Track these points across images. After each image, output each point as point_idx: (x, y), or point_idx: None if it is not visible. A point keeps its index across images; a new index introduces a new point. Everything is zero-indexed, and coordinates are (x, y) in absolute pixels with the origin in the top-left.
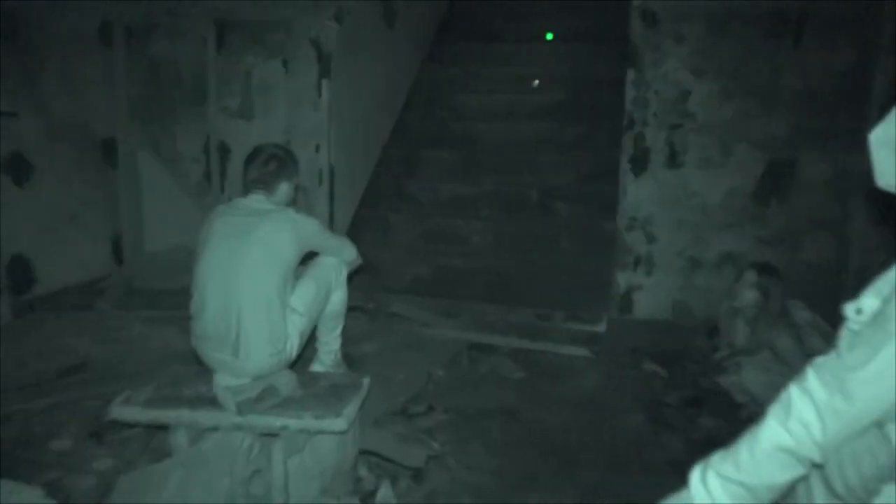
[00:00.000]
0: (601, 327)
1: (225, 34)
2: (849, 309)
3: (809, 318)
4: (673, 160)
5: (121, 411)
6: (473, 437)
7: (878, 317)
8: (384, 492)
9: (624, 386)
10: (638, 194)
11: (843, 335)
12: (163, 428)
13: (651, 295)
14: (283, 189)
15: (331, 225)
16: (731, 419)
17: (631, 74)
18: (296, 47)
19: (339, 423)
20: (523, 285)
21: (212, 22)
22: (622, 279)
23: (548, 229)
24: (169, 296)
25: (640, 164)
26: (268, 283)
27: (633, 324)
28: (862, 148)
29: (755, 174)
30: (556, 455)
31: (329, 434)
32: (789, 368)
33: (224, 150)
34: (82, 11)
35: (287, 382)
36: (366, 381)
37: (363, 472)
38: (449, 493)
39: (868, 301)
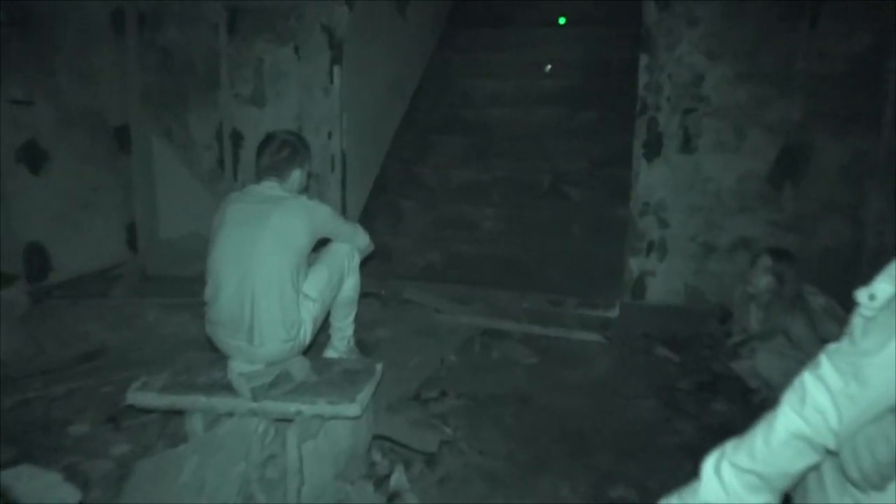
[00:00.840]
0: (614, 313)
1: (236, 20)
2: (861, 295)
3: (824, 304)
4: (686, 145)
5: (137, 397)
6: (486, 423)
7: (893, 302)
8: (398, 476)
9: (636, 371)
10: (651, 179)
11: (856, 321)
12: (179, 413)
13: (664, 280)
14: (296, 176)
15: (343, 212)
16: (744, 404)
17: (644, 59)
18: (308, 33)
19: (352, 409)
20: (535, 271)
21: (223, 8)
22: (635, 265)
23: (560, 215)
24: (183, 283)
25: (653, 148)
26: (281, 269)
27: (645, 309)
28: (878, 131)
29: (769, 158)
30: (568, 440)
31: (343, 419)
32: (804, 354)
33: (237, 137)
34: (95, 2)
35: (301, 368)
36: (379, 366)
37: (377, 456)
38: (462, 477)
39: (882, 287)
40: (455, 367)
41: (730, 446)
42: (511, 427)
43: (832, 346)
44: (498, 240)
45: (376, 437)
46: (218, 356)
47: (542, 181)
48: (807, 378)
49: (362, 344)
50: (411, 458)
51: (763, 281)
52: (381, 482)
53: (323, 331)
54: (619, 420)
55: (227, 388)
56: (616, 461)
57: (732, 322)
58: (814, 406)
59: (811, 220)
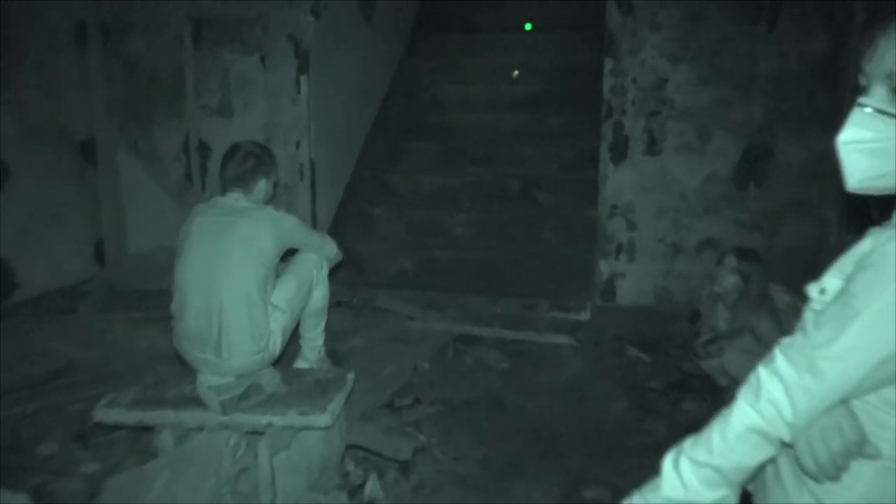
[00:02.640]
0: (585, 315)
1: (202, 31)
2: (812, 289)
3: (789, 301)
4: (652, 147)
5: (105, 414)
6: (460, 428)
7: (843, 295)
8: (372, 485)
9: (608, 372)
10: (618, 182)
11: (808, 315)
12: (148, 429)
13: (633, 282)
14: (261, 186)
15: (313, 220)
16: (714, 403)
17: (608, 63)
18: (274, 43)
19: (324, 419)
20: (507, 275)
21: (188, 19)
22: (604, 267)
23: (530, 219)
24: (153, 297)
25: (619, 151)
26: (248, 281)
27: (616, 311)
28: (837, 131)
29: (733, 159)
30: (541, 443)
31: (315, 430)
32: (770, 351)
33: (204, 149)
34: (56, 11)
35: (271, 380)
36: (350, 375)
37: (350, 466)
38: (436, 484)
39: (831, 281)
40: (428, 373)
41: (688, 442)
42: (484, 432)
43: (786, 341)
44: (470, 245)
45: (349, 447)
46: (187, 370)
47: (512, 186)
48: (761, 372)
49: (334, 353)
50: (385, 466)
51: (729, 280)
52: (355, 491)
53: (293, 341)
54: (592, 421)
55: (197, 401)
56: (589, 462)
57: (701, 322)
58: (768, 400)
59: (775, 220)
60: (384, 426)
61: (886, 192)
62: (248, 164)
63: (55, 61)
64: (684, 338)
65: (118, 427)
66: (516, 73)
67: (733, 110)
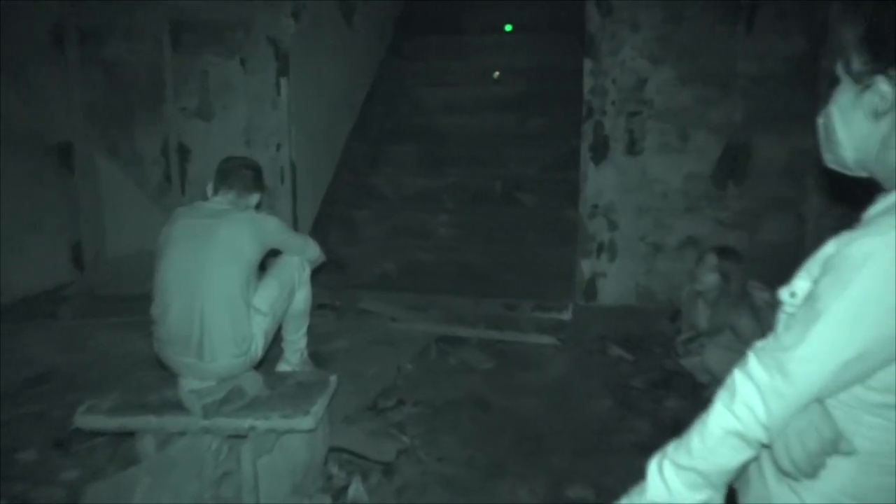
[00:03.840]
0: (567, 315)
1: (181, 34)
2: (783, 293)
3: (769, 299)
4: (632, 147)
5: (85, 420)
6: (444, 429)
7: (809, 297)
8: (355, 487)
9: (591, 371)
10: (599, 182)
11: (780, 318)
12: (129, 435)
13: (615, 281)
14: (255, 198)
15: (294, 223)
16: (695, 400)
17: (588, 64)
18: (254, 46)
19: (307, 422)
20: (490, 276)
21: (167, 22)
22: (586, 266)
23: (513, 220)
24: (133, 301)
25: (600, 152)
26: (230, 283)
27: (598, 310)
28: (815, 130)
29: (713, 158)
30: (525, 442)
31: (298, 433)
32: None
33: (184, 151)
34: (33, 14)
35: (253, 383)
36: (333, 378)
37: (334, 469)
38: (420, 485)
39: (800, 284)
40: (412, 375)
41: (671, 446)
42: (469, 432)
43: (759, 344)
44: (452, 247)
45: (333, 449)
46: (168, 375)
47: (494, 187)
48: (736, 375)
49: (318, 356)
50: (369, 468)
51: (709, 278)
52: (338, 494)
53: (276, 344)
54: (576, 420)
55: (179, 406)
56: (573, 461)
57: (682, 320)
58: (743, 402)
59: (755, 218)
60: (368, 428)
61: (843, 171)
62: (250, 173)
63: (32, 64)
64: (666, 336)
65: (99, 433)
66: (497, 74)
67: (713, 110)
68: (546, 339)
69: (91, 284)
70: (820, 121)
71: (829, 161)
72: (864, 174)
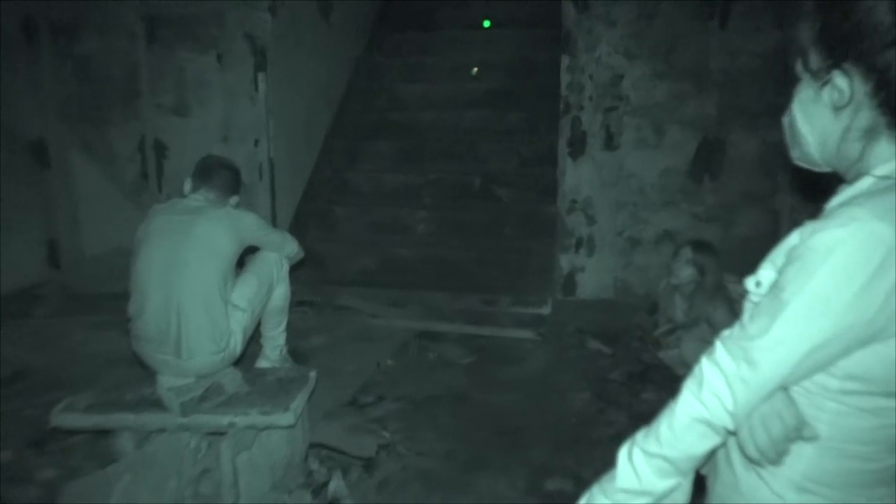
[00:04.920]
0: (546, 309)
1: (155, 29)
2: (749, 282)
3: (744, 291)
4: (609, 142)
5: (62, 418)
6: (424, 424)
7: (774, 287)
8: (336, 483)
9: (570, 365)
10: (577, 177)
11: (746, 307)
12: (107, 433)
13: (593, 275)
14: (234, 201)
15: (273, 220)
16: (673, 392)
17: (565, 60)
18: (230, 41)
19: (286, 418)
20: (469, 272)
21: (141, 17)
22: (565, 261)
23: (491, 215)
24: (109, 299)
25: (577, 147)
26: (207, 280)
27: (577, 304)
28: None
29: (689, 153)
30: (505, 436)
31: (277, 429)
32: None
33: (160, 148)
34: (2, 8)
35: (232, 380)
36: (312, 374)
37: (314, 465)
38: (401, 480)
39: (766, 273)
40: (392, 370)
41: (640, 434)
42: (448, 427)
43: (725, 333)
44: (432, 242)
45: (313, 445)
46: (146, 372)
47: (473, 182)
48: (704, 364)
49: (297, 352)
50: (349, 464)
51: (685, 272)
52: (319, 490)
53: (255, 341)
54: (555, 414)
55: (157, 404)
56: (552, 454)
57: (659, 313)
58: (710, 390)
59: (730, 212)
60: (348, 424)
61: (810, 167)
62: (231, 174)
63: (3, 60)
64: (644, 329)
65: (76, 432)
66: (475, 70)
67: (688, 105)
68: (525, 334)
69: (67, 282)
70: (785, 120)
71: (797, 158)
72: (828, 170)
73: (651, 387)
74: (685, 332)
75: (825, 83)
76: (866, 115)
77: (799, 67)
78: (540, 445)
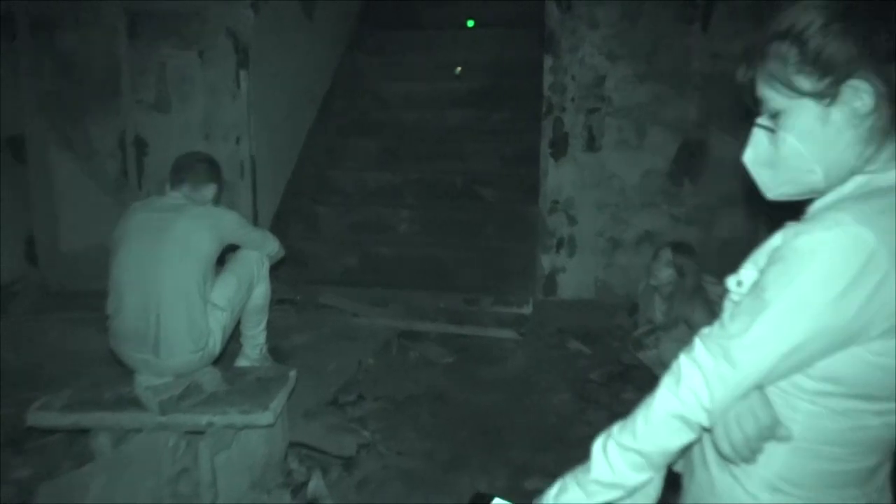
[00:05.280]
0: (528, 309)
1: (137, 25)
2: (730, 282)
3: (722, 292)
4: (591, 143)
5: (38, 417)
6: (404, 423)
7: (755, 287)
8: (315, 483)
9: (551, 365)
10: (559, 178)
11: (727, 306)
12: (84, 432)
13: (574, 276)
14: (211, 189)
15: (255, 218)
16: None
17: (548, 60)
18: (212, 38)
19: (266, 417)
20: (451, 271)
21: (123, 12)
22: (546, 261)
23: (474, 215)
24: (87, 297)
25: (559, 148)
26: (186, 278)
27: (558, 304)
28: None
29: (669, 155)
30: (485, 436)
31: (257, 428)
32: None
33: (141, 144)
34: None
35: (211, 379)
36: (292, 373)
37: (294, 464)
38: (380, 479)
39: (747, 273)
40: (373, 369)
41: (616, 427)
42: (429, 426)
43: (705, 331)
44: (414, 241)
45: (293, 445)
46: (124, 371)
47: (455, 182)
48: (682, 360)
49: (278, 351)
50: (329, 463)
51: (665, 273)
52: (298, 489)
53: (235, 339)
54: (535, 414)
55: (135, 403)
56: (532, 454)
57: (639, 314)
58: (688, 387)
59: (710, 213)
60: (328, 423)
61: (804, 197)
62: (203, 165)
63: None
64: (624, 330)
65: (52, 431)
66: (459, 69)
67: (669, 107)
68: (506, 333)
69: (44, 279)
70: (756, 160)
71: (783, 195)
72: (819, 194)
73: (631, 387)
74: (664, 332)
75: (832, 100)
76: (882, 113)
77: (783, 98)
78: (520, 445)
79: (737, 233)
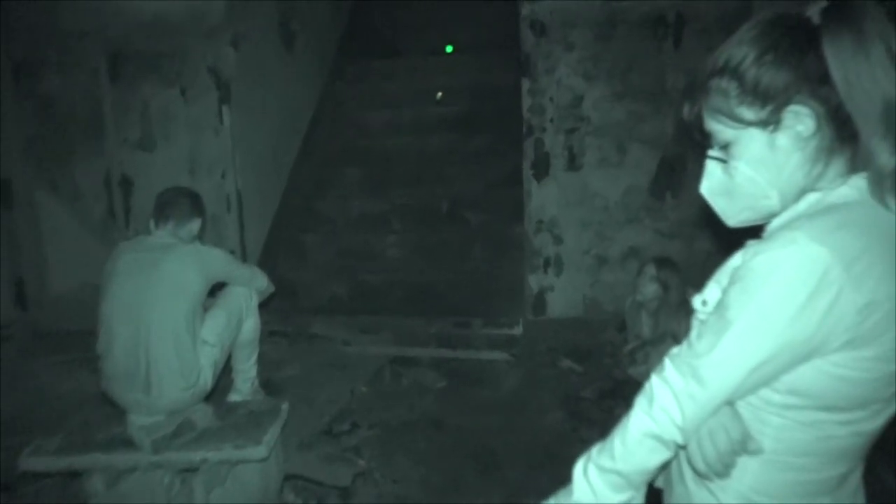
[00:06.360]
0: (518, 330)
1: (118, 65)
2: (696, 301)
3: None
4: (572, 163)
5: (31, 462)
6: (399, 450)
7: (719, 306)
8: None
9: (543, 385)
10: (542, 198)
11: (693, 325)
12: (77, 475)
13: (562, 294)
14: (196, 224)
15: (242, 251)
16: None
17: (526, 83)
18: (194, 75)
19: (259, 451)
20: (440, 295)
21: (103, 53)
22: (534, 281)
23: (460, 238)
24: (77, 338)
25: (541, 168)
26: (175, 317)
27: (547, 323)
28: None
29: (650, 171)
30: (480, 459)
31: (251, 462)
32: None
33: (126, 184)
34: None
35: (203, 415)
36: (284, 405)
37: (290, 496)
38: None
39: (711, 292)
40: (366, 397)
41: (595, 450)
42: (424, 452)
43: (674, 351)
44: (402, 267)
45: (288, 477)
46: (116, 411)
47: (441, 206)
48: (654, 381)
49: (270, 383)
50: (325, 493)
51: (650, 289)
52: None
53: (226, 374)
54: (529, 434)
55: (127, 443)
56: (527, 474)
57: (627, 330)
58: (660, 406)
59: (692, 227)
60: (323, 453)
61: (764, 221)
62: (186, 200)
63: None
64: (614, 346)
65: (46, 475)
66: (440, 95)
67: (647, 124)
68: (498, 355)
69: (34, 322)
70: (711, 191)
71: (744, 221)
72: (774, 216)
73: (623, 403)
74: (652, 348)
75: (776, 126)
76: (826, 133)
77: (729, 131)
78: (515, 466)
79: (719, 246)
